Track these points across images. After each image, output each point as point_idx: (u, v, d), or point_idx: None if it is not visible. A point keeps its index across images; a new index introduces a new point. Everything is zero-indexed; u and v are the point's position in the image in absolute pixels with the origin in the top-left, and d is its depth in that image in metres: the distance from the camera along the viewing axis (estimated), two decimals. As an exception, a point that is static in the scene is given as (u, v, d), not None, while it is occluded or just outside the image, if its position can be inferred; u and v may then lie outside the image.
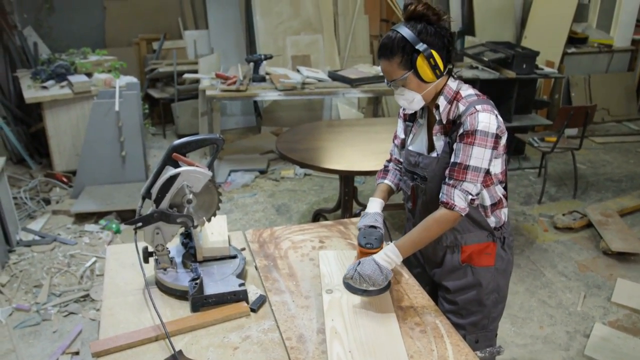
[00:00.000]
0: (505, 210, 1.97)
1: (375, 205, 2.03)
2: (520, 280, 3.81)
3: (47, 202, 4.76)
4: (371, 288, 1.74)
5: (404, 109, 2.05)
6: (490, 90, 5.51)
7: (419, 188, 1.96)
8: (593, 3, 7.73)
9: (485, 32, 7.29)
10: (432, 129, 1.89)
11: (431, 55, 1.71)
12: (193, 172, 1.77)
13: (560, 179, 5.60)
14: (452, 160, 1.78)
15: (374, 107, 6.25)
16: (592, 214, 4.60)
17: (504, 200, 1.94)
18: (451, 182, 1.77)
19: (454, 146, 1.78)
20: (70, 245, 4.04)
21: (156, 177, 1.79)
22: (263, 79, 5.21)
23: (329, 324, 1.63)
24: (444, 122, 1.84)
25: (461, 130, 1.74)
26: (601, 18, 7.81)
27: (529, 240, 4.36)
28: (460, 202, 1.76)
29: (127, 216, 4.47)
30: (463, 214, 1.77)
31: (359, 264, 1.74)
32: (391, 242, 1.83)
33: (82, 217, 4.45)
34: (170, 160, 1.79)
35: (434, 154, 1.89)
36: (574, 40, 7.18)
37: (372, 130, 4.15)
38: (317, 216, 4.35)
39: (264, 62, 5.25)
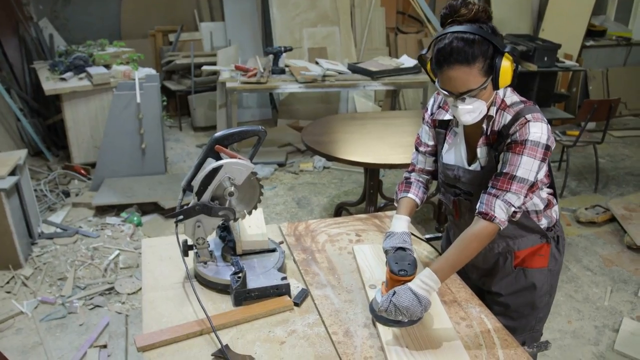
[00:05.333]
0: (556, 208, 1.89)
1: (402, 224, 1.82)
2: (546, 275, 3.77)
3: (67, 194, 4.75)
4: (406, 320, 1.56)
5: (431, 114, 1.88)
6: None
7: (463, 203, 1.84)
8: (612, -5, 7.65)
9: (501, 24, 7.21)
10: (473, 139, 1.76)
11: (516, 57, 1.57)
12: (235, 164, 1.74)
13: (580, 172, 5.54)
14: (498, 170, 1.65)
15: (392, 100, 6.21)
16: (615, 208, 4.55)
17: (552, 199, 1.87)
18: (493, 191, 1.62)
19: (501, 157, 1.65)
20: (93, 238, 4.03)
21: (197, 169, 1.76)
22: (283, 71, 5.18)
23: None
24: (488, 132, 1.70)
25: (509, 140, 1.62)
26: (620, 11, 7.72)
27: (552, 234, 4.32)
28: (500, 213, 1.60)
29: (147, 209, 4.45)
30: (502, 227, 1.62)
31: (393, 294, 1.53)
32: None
33: (102, 210, 4.44)
34: (212, 152, 1.75)
35: (476, 167, 1.76)
36: (592, 33, 7.10)
37: (394, 123, 4.12)
38: (340, 209, 4.31)
39: (284, 54, 5.22)
